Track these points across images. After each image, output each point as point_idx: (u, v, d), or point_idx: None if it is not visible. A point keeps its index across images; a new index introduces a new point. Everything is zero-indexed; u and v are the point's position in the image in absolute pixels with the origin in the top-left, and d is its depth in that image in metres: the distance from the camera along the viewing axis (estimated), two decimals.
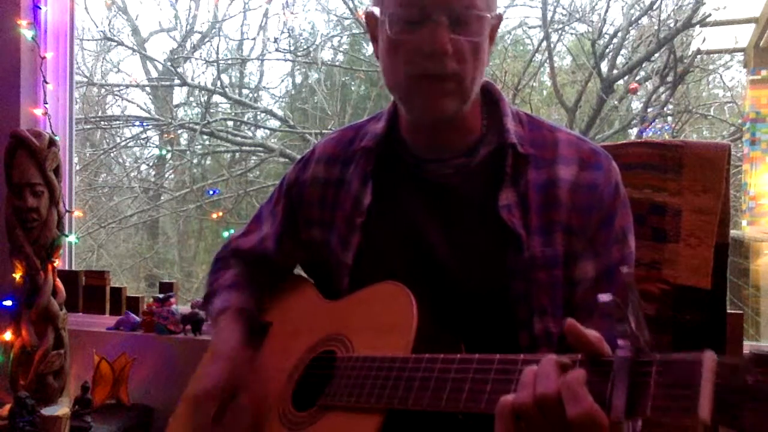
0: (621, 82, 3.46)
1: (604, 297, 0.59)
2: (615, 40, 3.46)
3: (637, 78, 3.42)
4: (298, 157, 1.18)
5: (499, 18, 0.96)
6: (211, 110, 4.06)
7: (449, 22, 0.87)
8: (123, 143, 4.38)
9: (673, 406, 0.56)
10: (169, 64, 4.09)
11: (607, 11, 3.48)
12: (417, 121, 0.97)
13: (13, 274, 1.87)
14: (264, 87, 4.42)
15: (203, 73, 4.19)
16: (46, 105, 2.11)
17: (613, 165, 0.95)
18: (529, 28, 3.75)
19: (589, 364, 0.63)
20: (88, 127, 4.11)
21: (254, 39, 4.10)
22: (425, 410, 0.75)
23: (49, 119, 2.11)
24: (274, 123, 4.21)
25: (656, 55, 3.28)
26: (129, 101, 4.29)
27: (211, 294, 1.17)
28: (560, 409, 0.61)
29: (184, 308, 2.01)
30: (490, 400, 0.68)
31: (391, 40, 0.90)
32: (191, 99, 4.37)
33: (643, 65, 3.37)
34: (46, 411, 1.63)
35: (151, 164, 4.60)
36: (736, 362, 0.53)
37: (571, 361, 0.65)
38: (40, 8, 2.12)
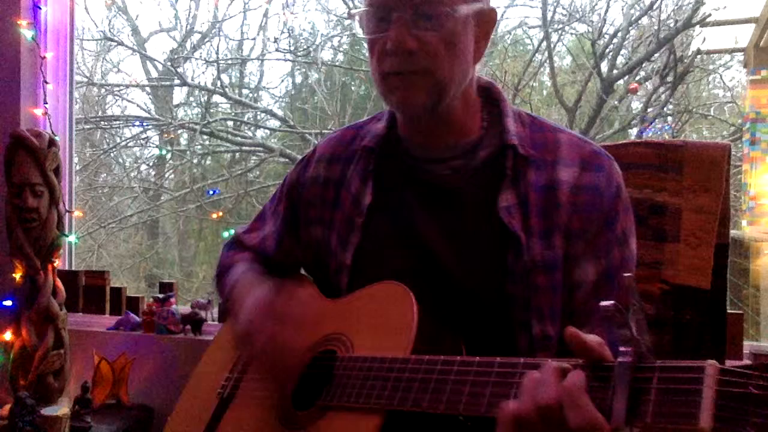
0: (621, 82, 3.46)
1: (606, 303, 0.59)
2: (615, 40, 3.47)
3: (637, 78, 3.42)
4: (299, 157, 1.18)
5: (486, 13, 0.93)
6: (211, 110, 4.07)
7: (414, 18, 0.87)
8: (123, 143, 4.38)
9: (674, 413, 0.55)
10: (169, 64, 4.09)
11: (607, 11, 3.49)
12: (401, 118, 0.98)
13: (13, 274, 1.87)
14: (264, 87, 4.42)
15: (203, 73, 4.20)
16: (46, 105, 2.11)
17: (615, 167, 0.95)
18: (529, 28, 3.75)
19: (590, 369, 0.63)
20: (88, 127, 4.11)
21: (254, 39, 4.11)
22: (425, 412, 0.75)
23: (49, 119, 2.11)
24: (274, 123, 4.22)
25: (656, 55, 3.28)
26: (129, 101, 4.30)
27: (228, 267, 1.16)
28: (561, 416, 0.61)
29: (184, 308, 2.01)
30: (490, 404, 0.68)
31: (368, 39, 0.92)
32: (191, 99, 4.37)
33: (643, 65, 3.37)
34: (46, 411, 1.63)
35: (151, 164, 4.60)
36: (739, 371, 0.53)
37: (572, 366, 0.64)
38: (40, 8, 2.12)
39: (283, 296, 0.98)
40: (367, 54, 0.95)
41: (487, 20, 0.94)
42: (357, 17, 0.92)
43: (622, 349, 0.60)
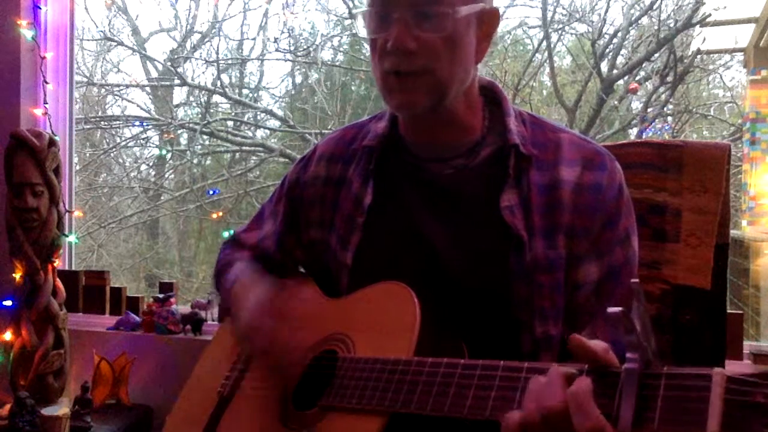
0: (621, 82, 3.46)
1: (614, 309, 0.59)
2: (615, 40, 3.46)
3: (637, 78, 3.42)
4: (298, 157, 1.18)
5: (488, 13, 0.93)
6: (211, 110, 4.06)
7: (414, 18, 0.87)
8: (123, 143, 4.38)
9: (681, 420, 0.55)
10: (169, 64, 4.09)
11: (607, 11, 3.49)
12: (403, 118, 0.98)
13: (13, 274, 1.87)
14: (264, 87, 4.42)
15: (203, 73, 4.19)
16: (46, 105, 2.11)
17: (616, 166, 0.95)
18: (529, 28, 3.75)
19: (596, 375, 0.63)
20: (88, 127, 4.11)
21: (254, 39, 4.11)
22: (428, 415, 0.75)
23: (49, 119, 2.11)
24: (274, 123, 4.21)
25: (656, 55, 3.28)
26: (129, 101, 4.29)
27: (227, 265, 1.15)
28: (567, 421, 0.60)
29: (184, 308, 2.01)
30: (495, 407, 0.68)
31: (370, 39, 0.92)
32: (191, 99, 4.36)
33: (643, 65, 3.37)
34: (46, 411, 1.63)
35: (151, 164, 4.60)
36: (746, 379, 0.53)
37: (578, 371, 0.64)
38: (40, 8, 2.12)
39: (283, 295, 1.00)
40: (367, 54, 0.95)
41: (488, 20, 0.94)
42: (359, 17, 0.93)
43: (628, 355, 0.59)
